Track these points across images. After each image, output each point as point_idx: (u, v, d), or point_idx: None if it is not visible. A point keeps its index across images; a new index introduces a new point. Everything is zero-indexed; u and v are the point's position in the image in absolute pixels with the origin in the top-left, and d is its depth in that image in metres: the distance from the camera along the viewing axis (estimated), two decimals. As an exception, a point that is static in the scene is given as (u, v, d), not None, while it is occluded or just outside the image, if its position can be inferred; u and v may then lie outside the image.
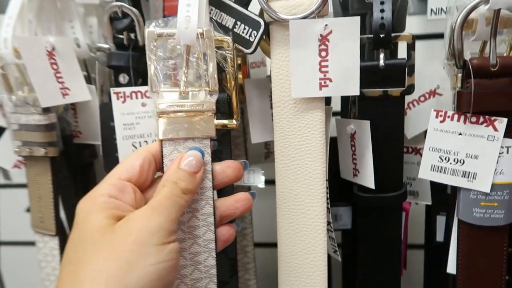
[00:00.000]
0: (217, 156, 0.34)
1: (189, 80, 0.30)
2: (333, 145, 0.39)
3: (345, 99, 0.44)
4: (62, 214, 0.44)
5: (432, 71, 0.41)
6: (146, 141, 0.38)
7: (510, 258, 0.39)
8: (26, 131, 0.38)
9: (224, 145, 0.35)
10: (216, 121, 0.33)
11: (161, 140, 0.30)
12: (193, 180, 0.29)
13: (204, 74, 0.30)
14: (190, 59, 0.30)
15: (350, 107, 0.42)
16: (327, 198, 0.37)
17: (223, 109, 0.34)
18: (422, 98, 0.42)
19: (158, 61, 0.30)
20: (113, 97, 0.37)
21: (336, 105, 0.47)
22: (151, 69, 0.29)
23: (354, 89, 0.32)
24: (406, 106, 0.41)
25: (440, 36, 0.39)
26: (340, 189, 0.44)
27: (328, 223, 0.38)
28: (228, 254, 0.39)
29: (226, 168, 0.31)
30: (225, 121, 0.34)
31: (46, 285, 0.43)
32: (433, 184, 0.42)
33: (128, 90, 0.37)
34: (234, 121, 0.34)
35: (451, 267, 0.38)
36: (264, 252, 0.62)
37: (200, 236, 0.30)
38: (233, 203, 0.32)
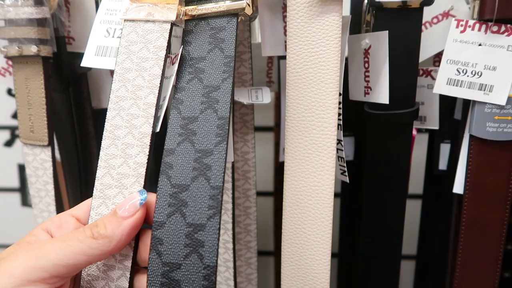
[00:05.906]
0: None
1: None
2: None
3: (355, 19, 0.42)
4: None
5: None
6: (121, 29, 0.34)
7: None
8: (15, 26, 0.34)
9: (229, 33, 0.30)
10: (218, 4, 0.30)
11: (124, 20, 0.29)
12: (117, 225, 0.25)
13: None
14: None
15: (362, 25, 0.40)
16: (340, 114, 0.36)
17: None
18: (435, 20, 0.41)
19: None
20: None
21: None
22: None
23: (375, -11, 0.31)
24: (418, 27, 0.40)
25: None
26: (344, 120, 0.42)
27: (339, 142, 0.37)
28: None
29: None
30: (234, 3, 0.29)
31: (35, 203, 0.40)
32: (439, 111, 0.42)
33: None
34: (244, 1, 0.29)
35: (458, 187, 0.38)
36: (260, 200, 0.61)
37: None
38: None
